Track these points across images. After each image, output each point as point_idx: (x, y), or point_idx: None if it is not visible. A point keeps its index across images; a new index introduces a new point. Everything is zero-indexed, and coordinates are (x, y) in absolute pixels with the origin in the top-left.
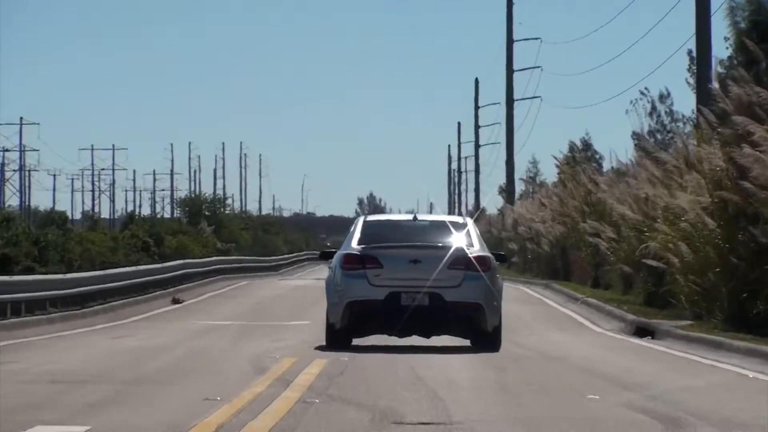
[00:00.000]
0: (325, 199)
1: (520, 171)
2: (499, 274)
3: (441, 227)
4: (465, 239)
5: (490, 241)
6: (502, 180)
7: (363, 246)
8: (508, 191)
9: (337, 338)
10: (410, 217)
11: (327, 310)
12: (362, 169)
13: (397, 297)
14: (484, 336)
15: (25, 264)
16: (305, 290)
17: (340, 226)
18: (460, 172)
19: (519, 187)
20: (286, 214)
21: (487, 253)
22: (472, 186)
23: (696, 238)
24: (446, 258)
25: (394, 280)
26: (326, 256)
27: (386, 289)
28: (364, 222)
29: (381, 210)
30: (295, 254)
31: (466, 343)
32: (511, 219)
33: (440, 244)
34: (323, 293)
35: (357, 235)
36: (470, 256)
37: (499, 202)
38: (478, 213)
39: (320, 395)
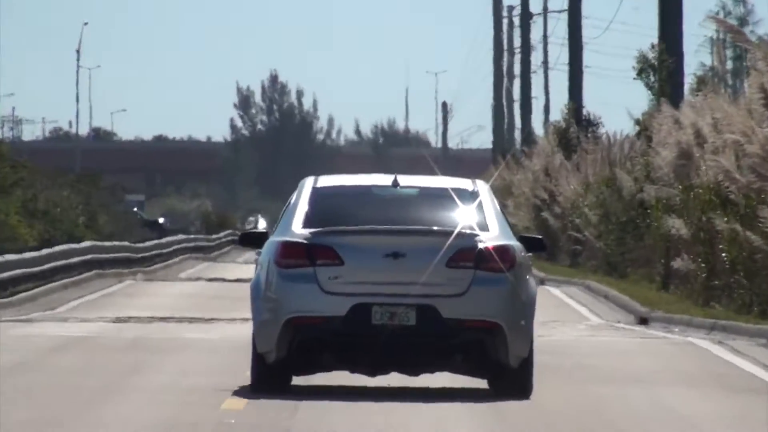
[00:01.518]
0: (141, 97)
1: (697, 14)
2: (530, 275)
3: (437, 198)
4: (475, 217)
5: (618, 202)
6: (643, 39)
7: (312, 230)
8: (663, 72)
9: (270, 377)
10: (388, 181)
11: (253, 334)
12: (250, 27)
13: (366, 312)
14: (504, 373)
15: None
16: (89, 352)
17: (191, 167)
18: (526, 14)
19: (694, 60)
20: (36, 135)
21: (510, 241)
22: (558, 58)
23: None
24: (444, 249)
25: (361, 285)
26: (251, 242)
27: (349, 299)
28: (314, 189)
29: (306, 122)
30: (65, 246)
31: (482, 384)
32: (675, 148)
33: (435, 227)
34: (135, 364)
35: (302, 211)
36: (483, 246)
37: (635, 104)
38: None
39: None
